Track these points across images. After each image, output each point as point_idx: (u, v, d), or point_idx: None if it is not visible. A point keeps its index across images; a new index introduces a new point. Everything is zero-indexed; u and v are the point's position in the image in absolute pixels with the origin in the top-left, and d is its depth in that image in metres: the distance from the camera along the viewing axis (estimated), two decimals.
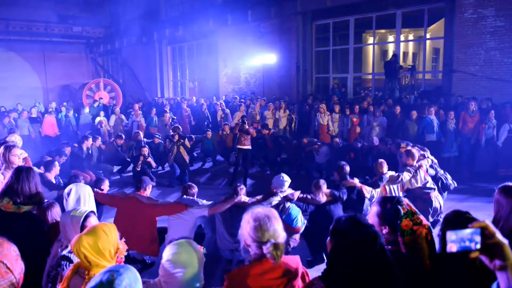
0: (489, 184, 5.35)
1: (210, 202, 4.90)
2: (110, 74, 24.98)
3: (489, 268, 1.34)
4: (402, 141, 8.17)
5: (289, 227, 4.79)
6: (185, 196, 5.04)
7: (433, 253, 2.23)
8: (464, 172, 8.91)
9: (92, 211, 2.73)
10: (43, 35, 22.59)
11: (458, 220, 2.21)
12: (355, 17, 14.00)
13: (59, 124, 13.38)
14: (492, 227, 1.35)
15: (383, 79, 13.58)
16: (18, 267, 1.96)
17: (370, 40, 18.68)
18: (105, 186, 5.46)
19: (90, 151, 9.37)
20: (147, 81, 22.13)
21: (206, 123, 13.38)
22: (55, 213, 3.27)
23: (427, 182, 6.23)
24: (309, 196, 5.25)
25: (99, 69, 25.52)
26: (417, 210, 2.32)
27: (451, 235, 1.38)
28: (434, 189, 6.23)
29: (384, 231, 2.24)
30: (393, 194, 5.88)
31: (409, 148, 6.89)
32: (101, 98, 17.30)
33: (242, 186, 5.18)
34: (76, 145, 9.27)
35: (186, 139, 10.02)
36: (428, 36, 13.81)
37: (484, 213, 4.00)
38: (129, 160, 10.25)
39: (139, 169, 9.27)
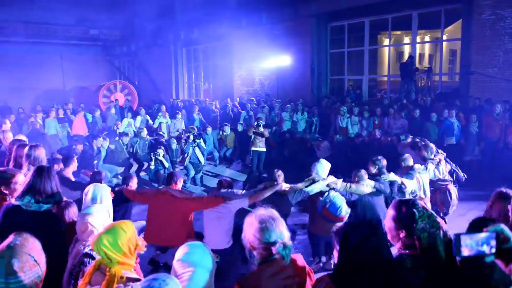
0: None
1: (250, 191, 4.82)
2: (126, 76, 25.28)
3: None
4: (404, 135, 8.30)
5: (333, 216, 4.77)
6: (223, 190, 4.90)
7: (450, 255, 2.17)
8: (486, 177, 8.66)
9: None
10: (60, 37, 22.97)
11: (483, 227, 2.17)
12: (371, 19, 13.90)
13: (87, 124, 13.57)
14: (508, 231, 1.33)
15: (398, 81, 13.44)
16: (43, 261, 2.05)
17: (386, 41, 18.57)
18: (134, 183, 5.43)
19: (99, 150, 9.43)
20: (162, 82, 22.32)
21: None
22: (72, 213, 3.33)
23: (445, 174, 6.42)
24: (353, 186, 5.16)
25: (115, 71, 25.85)
26: (433, 212, 2.29)
27: (465, 239, 1.37)
28: (452, 181, 6.39)
29: (401, 235, 2.21)
30: (424, 187, 5.97)
31: (415, 140, 7.28)
32: (117, 100, 17.51)
33: (280, 172, 5.04)
34: (87, 143, 9.39)
35: (202, 139, 10.09)
36: (444, 37, 13.64)
37: None
38: (139, 159, 10.33)
39: (153, 167, 9.37)
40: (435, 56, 23.19)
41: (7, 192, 3.13)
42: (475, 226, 2.26)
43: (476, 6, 11.03)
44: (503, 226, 1.34)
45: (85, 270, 2.38)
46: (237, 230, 5.20)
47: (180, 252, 2.10)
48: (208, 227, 4.70)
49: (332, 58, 15.41)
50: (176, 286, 1.75)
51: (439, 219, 2.26)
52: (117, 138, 10.34)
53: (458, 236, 1.40)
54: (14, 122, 12.45)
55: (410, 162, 6.06)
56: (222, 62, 18.88)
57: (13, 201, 2.86)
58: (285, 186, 4.85)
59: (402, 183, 5.66)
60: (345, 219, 4.87)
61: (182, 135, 10.97)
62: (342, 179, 5.10)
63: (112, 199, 5.29)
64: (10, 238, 2.05)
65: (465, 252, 1.37)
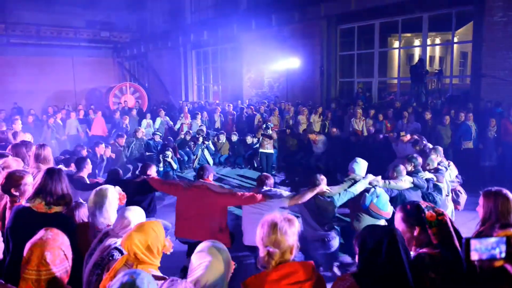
0: None
1: (290, 193, 4.80)
2: (136, 78, 25.47)
3: None
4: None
5: (381, 212, 4.83)
6: (264, 187, 4.87)
7: (461, 240, 2.23)
8: (505, 183, 8.55)
9: (128, 207, 2.84)
10: (72, 40, 23.28)
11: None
12: (381, 21, 13.84)
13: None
14: None
15: (408, 83, 13.36)
16: (70, 256, 2.19)
17: (396, 44, 18.47)
18: (152, 172, 5.42)
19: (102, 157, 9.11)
20: (172, 84, 22.45)
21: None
22: (82, 214, 3.34)
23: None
24: (392, 182, 5.24)
25: (125, 73, 26.06)
26: (434, 206, 2.39)
27: (475, 244, 1.36)
28: (460, 182, 6.52)
29: (415, 232, 2.26)
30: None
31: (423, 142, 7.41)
32: (126, 101, 17.64)
33: (323, 177, 5.02)
34: (90, 150, 9.36)
35: (211, 141, 10.13)
36: (455, 39, 13.52)
37: None
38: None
39: (161, 169, 9.42)
40: (445, 59, 23.01)
41: (17, 193, 3.15)
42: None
43: (487, 8, 10.92)
44: None
45: (111, 264, 2.43)
46: None
47: (199, 247, 2.17)
48: (248, 223, 4.64)
49: (341, 60, 15.37)
50: (148, 276, 1.81)
51: (441, 210, 2.34)
52: (112, 141, 10.17)
53: (468, 240, 1.39)
54: (32, 123, 12.76)
55: (403, 173, 6.00)
56: (232, 64, 18.94)
57: (23, 202, 2.89)
58: (325, 189, 4.87)
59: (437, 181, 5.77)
60: (390, 215, 4.89)
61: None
62: (380, 176, 5.17)
63: (137, 189, 5.35)
64: (41, 232, 2.15)
65: (475, 256, 1.36)
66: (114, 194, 3.09)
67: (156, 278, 2.20)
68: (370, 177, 5.09)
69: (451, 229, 2.24)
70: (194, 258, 2.10)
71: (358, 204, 5.03)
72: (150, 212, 5.65)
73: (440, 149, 6.71)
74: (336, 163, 10.20)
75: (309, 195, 4.69)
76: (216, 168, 11.38)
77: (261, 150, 9.44)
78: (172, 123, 13.72)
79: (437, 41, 20.18)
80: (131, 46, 25.10)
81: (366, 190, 4.94)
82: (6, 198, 3.28)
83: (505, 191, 2.82)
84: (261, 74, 17.14)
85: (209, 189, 4.63)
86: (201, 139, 9.82)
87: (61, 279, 2.10)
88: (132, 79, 25.12)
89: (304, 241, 4.94)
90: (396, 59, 17.01)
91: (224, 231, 4.64)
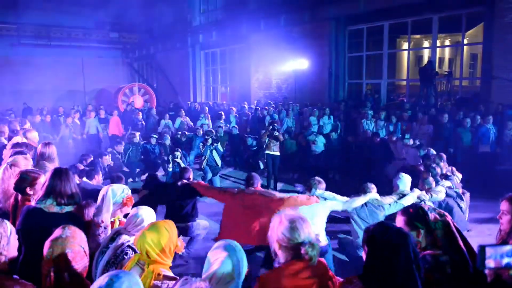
0: None
1: (346, 198, 4.87)
2: (145, 78, 25.61)
3: None
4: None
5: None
6: (317, 191, 4.82)
7: (465, 239, 2.28)
8: None
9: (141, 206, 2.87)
10: (81, 41, 23.47)
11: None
12: (390, 22, 13.77)
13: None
14: None
15: (418, 85, 13.28)
16: (88, 253, 2.23)
17: (405, 45, 18.38)
18: (191, 175, 5.44)
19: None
20: (180, 85, 22.53)
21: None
22: (91, 212, 3.37)
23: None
24: (434, 195, 5.46)
25: (134, 74, 26.23)
26: (435, 207, 2.48)
27: (490, 251, 1.34)
28: (462, 185, 6.73)
29: (420, 235, 2.26)
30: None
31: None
32: (133, 101, 17.74)
33: (373, 186, 5.15)
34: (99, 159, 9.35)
35: (219, 143, 10.13)
36: (465, 41, 13.42)
37: None
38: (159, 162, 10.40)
39: (170, 169, 9.45)
40: (455, 60, 22.84)
41: (31, 192, 3.18)
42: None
43: (498, 9, 10.82)
44: None
45: (123, 262, 2.46)
46: None
47: (216, 244, 2.19)
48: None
49: (350, 61, 15.32)
50: (133, 279, 1.77)
51: (442, 211, 2.36)
52: (109, 149, 10.07)
53: (482, 248, 1.37)
54: (50, 122, 13.19)
55: (434, 185, 5.94)
56: (240, 65, 18.96)
57: (33, 203, 2.90)
58: (376, 197, 5.04)
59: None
60: None
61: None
62: (424, 191, 5.40)
63: (179, 193, 5.31)
64: (59, 230, 2.18)
65: (491, 264, 1.34)
66: (113, 193, 3.08)
67: (168, 278, 2.23)
68: (417, 192, 5.28)
69: (454, 229, 2.25)
70: (211, 254, 2.13)
71: None
72: (193, 216, 5.60)
73: (444, 155, 6.75)
74: (333, 164, 10.55)
75: (360, 202, 4.88)
76: (237, 171, 11.52)
77: (267, 151, 9.41)
78: (191, 123, 13.81)
79: (447, 42, 20.07)
80: (140, 46, 25.25)
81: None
82: (14, 196, 3.30)
83: None
84: (269, 75, 17.14)
85: (262, 195, 4.67)
86: (210, 140, 9.83)
87: (81, 275, 2.13)
88: (140, 79, 25.26)
89: (351, 244, 5.23)
90: (405, 60, 16.94)
91: None
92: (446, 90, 13.16)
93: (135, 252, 2.54)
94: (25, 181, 3.21)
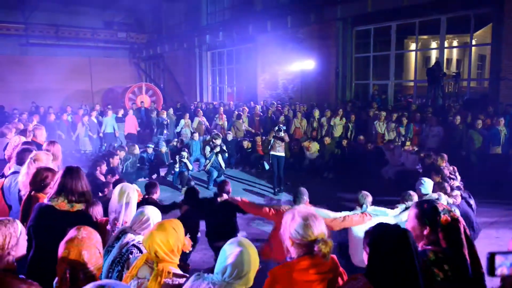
0: None
1: (394, 212, 4.67)
2: (152, 78, 25.73)
3: None
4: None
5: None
6: (369, 207, 4.69)
7: (472, 248, 2.28)
8: None
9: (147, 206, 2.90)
10: (89, 40, 23.63)
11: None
12: (397, 23, 13.72)
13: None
14: None
15: (425, 86, 13.21)
16: (102, 253, 2.26)
17: (412, 46, 18.27)
18: (230, 187, 5.32)
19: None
20: (187, 85, 22.61)
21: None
22: (96, 211, 3.41)
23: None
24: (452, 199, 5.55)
25: (141, 74, 26.35)
26: (450, 208, 2.41)
27: (500, 259, 1.33)
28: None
29: (426, 231, 2.28)
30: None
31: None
32: (142, 101, 17.82)
33: (414, 193, 5.04)
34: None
35: (225, 146, 10.22)
36: (474, 42, 13.33)
37: None
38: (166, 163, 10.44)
39: (177, 169, 9.50)
40: (463, 61, 22.69)
41: (45, 189, 3.25)
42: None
43: (506, 10, 10.73)
44: None
45: (130, 261, 2.48)
46: None
47: (230, 240, 2.19)
48: (357, 244, 4.38)
49: (357, 62, 15.27)
50: None
51: (457, 214, 2.37)
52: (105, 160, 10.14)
53: (492, 255, 1.35)
54: (67, 121, 13.49)
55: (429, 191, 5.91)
56: (246, 65, 18.99)
57: (45, 201, 2.94)
58: None
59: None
60: None
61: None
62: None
63: (222, 210, 5.07)
64: (74, 231, 2.20)
65: (503, 271, 1.33)
66: (135, 192, 3.16)
67: (177, 275, 2.26)
68: (444, 196, 5.30)
69: (463, 235, 2.25)
70: (225, 248, 2.13)
71: None
72: (234, 233, 5.23)
73: (445, 155, 6.70)
74: (328, 167, 10.74)
75: (403, 215, 4.64)
76: (239, 172, 11.57)
77: (272, 152, 9.39)
78: (208, 123, 13.88)
79: (455, 43, 19.95)
80: (147, 47, 25.38)
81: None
82: (28, 193, 3.35)
83: None
84: (276, 75, 17.14)
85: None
86: (218, 148, 9.90)
87: (96, 276, 2.16)
88: (147, 79, 25.38)
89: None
90: (412, 61, 16.86)
91: None
92: (454, 91, 13.05)
93: (140, 250, 2.57)
94: (41, 177, 3.28)
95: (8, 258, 2.08)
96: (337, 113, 12.14)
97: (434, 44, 19.64)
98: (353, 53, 15.00)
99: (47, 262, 2.34)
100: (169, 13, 23.77)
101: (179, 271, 2.32)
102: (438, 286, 2.06)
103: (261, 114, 14.04)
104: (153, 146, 10.96)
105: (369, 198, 4.74)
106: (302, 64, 15.15)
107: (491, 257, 1.36)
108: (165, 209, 5.05)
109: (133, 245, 2.64)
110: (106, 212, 3.41)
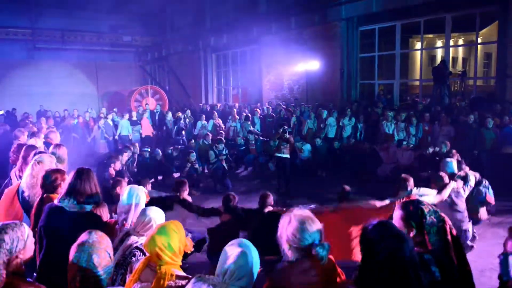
0: None
1: (434, 192, 5.03)
2: (157, 81, 25.82)
3: None
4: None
5: (491, 200, 5.85)
6: (414, 190, 4.85)
7: (459, 248, 2.29)
8: None
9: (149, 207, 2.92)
10: (95, 44, 23.79)
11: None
12: (402, 22, 13.67)
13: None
14: None
15: (431, 85, 13.15)
16: (113, 258, 2.26)
17: (418, 45, 18.23)
18: (272, 199, 5.08)
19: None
20: (192, 87, 22.67)
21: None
22: (99, 212, 3.43)
23: None
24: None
25: (146, 76, 26.45)
26: (438, 209, 2.42)
27: None
28: None
29: (411, 234, 2.28)
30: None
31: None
32: (147, 104, 17.88)
33: (444, 174, 5.35)
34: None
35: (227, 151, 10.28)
36: (479, 40, 13.25)
37: None
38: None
39: (184, 174, 9.55)
40: (469, 60, 22.59)
41: (56, 191, 3.31)
42: None
43: None
44: None
45: (133, 264, 2.48)
46: None
47: (231, 242, 2.19)
48: None
49: (362, 62, 15.24)
50: None
51: (443, 215, 2.37)
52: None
53: (506, 256, 1.35)
54: (83, 123, 13.91)
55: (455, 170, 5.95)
56: (251, 66, 19.01)
57: (55, 202, 2.98)
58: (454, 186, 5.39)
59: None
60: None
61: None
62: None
63: (268, 221, 4.62)
64: (85, 235, 2.22)
65: None
66: (143, 194, 3.19)
67: (180, 277, 2.25)
68: (471, 173, 5.67)
69: (449, 237, 2.27)
70: (226, 249, 2.12)
71: (470, 197, 5.61)
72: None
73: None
74: (320, 166, 10.92)
75: (447, 193, 5.12)
76: (244, 172, 11.64)
77: (277, 154, 9.40)
78: (223, 126, 13.93)
79: (460, 42, 19.85)
80: (152, 50, 25.49)
81: (479, 183, 5.80)
82: (40, 195, 3.40)
83: None
84: (281, 76, 17.14)
85: (362, 206, 4.62)
86: (224, 155, 9.95)
87: (105, 281, 2.17)
88: (153, 82, 25.48)
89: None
90: (418, 60, 16.79)
91: None
92: (459, 90, 13.01)
93: (143, 253, 2.57)
94: (50, 179, 3.32)
95: (16, 261, 2.10)
96: (345, 113, 12.06)
97: (439, 43, 19.57)
98: (358, 53, 14.96)
99: (57, 262, 2.37)
100: (174, 16, 23.86)
101: (182, 273, 2.31)
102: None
103: (274, 115, 13.99)
104: (149, 150, 10.67)
105: (411, 181, 4.85)
106: (307, 65, 15.13)
107: (505, 257, 1.36)
108: (204, 213, 4.87)
109: (136, 248, 2.65)
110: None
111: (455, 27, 13.17)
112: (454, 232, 2.36)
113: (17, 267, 2.11)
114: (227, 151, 10.31)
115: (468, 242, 5.55)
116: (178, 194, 5.06)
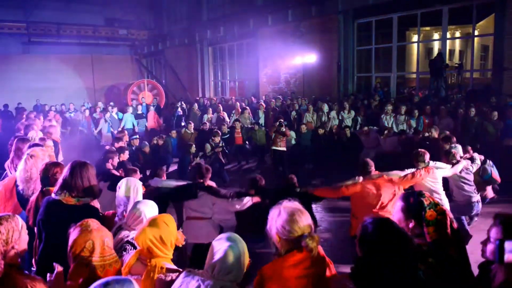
0: None
1: (449, 166, 5.51)
2: (154, 74, 25.73)
3: None
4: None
5: (497, 178, 6.44)
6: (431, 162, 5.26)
7: (459, 242, 2.30)
8: None
9: (141, 201, 2.92)
10: (91, 38, 23.63)
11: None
12: (399, 15, 13.65)
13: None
14: None
15: (428, 78, 13.16)
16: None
17: (415, 38, 18.19)
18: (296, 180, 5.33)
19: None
20: (188, 81, 22.60)
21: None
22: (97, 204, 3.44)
23: None
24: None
25: (143, 70, 26.35)
26: (439, 201, 2.44)
27: (510, 245, 1.33)
28: None
29: (411, 225, 2.31)
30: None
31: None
32: (149, 98, 17.84)
33: (455, 151, 5.90)
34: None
35: (224, 144, 10.20)
36: (476, 33, 13.22)
37: None
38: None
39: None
40: (466, 52, 22.55)
41: (54, 184, 3.30)
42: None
43: (509, 0, 10.67)
44: None
45: (124, 258, 2.48)
46: None
47: (219, 236, 2.19)
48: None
49: (359, 55, 15.22)
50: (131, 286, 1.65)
51: (444, 207, 2.38)
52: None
53: (501, 242, 1.36)
54: (89, 116, 13.97)
55: (460, 152, 6.49)
56: (248, 60, 18.97)
57: (52, 195, 2.98)
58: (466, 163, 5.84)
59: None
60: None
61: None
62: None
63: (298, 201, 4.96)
64: (83, 222, 2.27)
65: (511, 258, 1.34)
66: (140, 186, 3.19)
67: (170, 270, 2.25)
68: (476, 155, 6.23)
69: (449, 230, 2.27)
70: (214, 244, 2.12)
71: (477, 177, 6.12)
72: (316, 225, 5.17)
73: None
74: (306, 154, 10.77)
75: (460, 167, 5.55)
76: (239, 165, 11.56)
77: (273, 147, 9.41)
78: (228, 119, 13.89)
79: (457, 34, 19.80)
80: (148, 43, 25.37)
81: (484, 162, 6.40)
82: (39, 190, 3.40)
83: None
84: (278, 69, 17.11)
85: (388, 179, 4.82)
86: (221, 147, 9.88)
87: (105, 270, 2.20)
88: (149, 76, 25.39)
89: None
90: (414, 53, 16.75)
91: None
92: (456, 82, 13.00)
93: (134, 247, 2.56)
94: (52, 173, 3.35)
95: (12, 252, 2.12)
96: (343, 106, 12.04)
97: (436, 36, 19.53)
98: (354, 46, 14.95)
99: (56, 254, 2.39)
100: (170, 9, 23.73)
101: (172, 266, 2.31)
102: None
103: (276, 108, 13.95)
104: (138, 137, 10.57)
105: (427, 155, 5.21)
106: (304, 58, 15.11)
107: (501, 243, 1.37)
108: (235, 197, 4.75)
109: (127, 242, 2.65)
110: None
111: (452, 19, 13.14)
112: (455, 225, 2.36)
113: (13, 258, 2.13)
114: (223, 143, 10.28)
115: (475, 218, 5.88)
116: (201, 180, 4.91)
